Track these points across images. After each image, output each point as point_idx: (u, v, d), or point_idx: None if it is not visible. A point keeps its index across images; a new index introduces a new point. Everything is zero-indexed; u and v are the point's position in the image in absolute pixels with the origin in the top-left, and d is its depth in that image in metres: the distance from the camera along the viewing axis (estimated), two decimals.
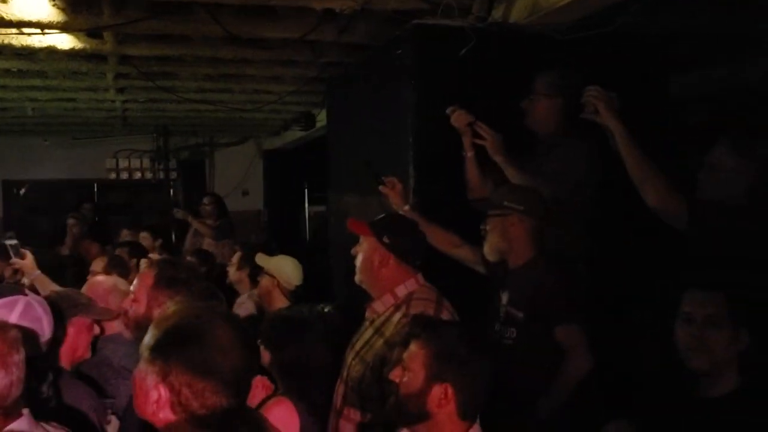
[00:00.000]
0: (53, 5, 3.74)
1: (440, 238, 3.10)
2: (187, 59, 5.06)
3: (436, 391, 1.77)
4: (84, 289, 2.93)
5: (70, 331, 2.36)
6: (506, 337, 2.76)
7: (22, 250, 3.90)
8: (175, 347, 1.45)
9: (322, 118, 6.64)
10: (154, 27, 4.02)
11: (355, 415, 2.41)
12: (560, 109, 3.27)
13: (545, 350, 2.68)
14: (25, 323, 1.93)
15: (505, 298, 2.84)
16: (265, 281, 3.68)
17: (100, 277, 3.41)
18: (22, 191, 9.67)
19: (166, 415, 1.45)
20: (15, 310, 1.94)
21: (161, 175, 8.95)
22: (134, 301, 2.57)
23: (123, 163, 9.01)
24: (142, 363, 1.48)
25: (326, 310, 3.23)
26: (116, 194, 9.82)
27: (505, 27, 3.68)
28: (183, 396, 1.43)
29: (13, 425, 1.61)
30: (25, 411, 1.65)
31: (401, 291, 2.51)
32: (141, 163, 9.03)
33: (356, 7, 3.65)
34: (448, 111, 3.31)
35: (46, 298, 2.33)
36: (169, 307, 1.63)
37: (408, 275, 2.54)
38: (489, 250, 2.87)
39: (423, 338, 1.87)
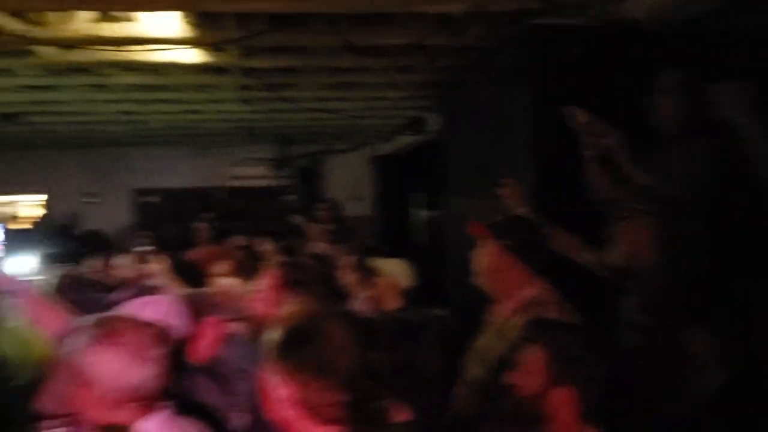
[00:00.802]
0: (183, 22, 3.96)
1: (561, 241, 3.02)
2: (306, 69, 5.22)
3: (557, 394, 1.74)
4: (209, 291, 3.07)
5: (201, 330, 2.47)
6: (630, 342, 2.65)
7: (154, 254, 4.16)
8: (297, 347, 1.49)
9: (432, 122, 6.66)
10: (276, 39, 4.17)
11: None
12: (684, 107, 3.12)
13: (671, 356, 2.55)
14: (160, 320, 2.04)
15: (629, 302, 2.73)
16: (379, 283, 3.73)
17: (224, 279, 3.57)
18: (151, 199, 10.31)
19: (288, 413, 1.49)
20: (151, 308, 2.06)
21: (280, 182, 9.28)
22: (257, 301, 2.66)
23: (245, 171, 9.43)
24: (267, 362, 1.53)
25: (440, 313, 3.22)
26: (238, 201, 10.28)
27: (622, 24, 3.55)
28: (304, 394, 1.46)
29: (153, 418, 1.70)
30: (165, 405, 1.75)
31: (522, 294, 2.46)
32: (262, 171, 9.42)
33: (470, 9, 3.63)
34: (566, 111, 3.23)
35: (180, 297, 2.45)
36: (292, 307, 1.67)
37: (529, 278, 2.49)
38: (615, 253, 2.77)
39: (543, 341, 1.83)
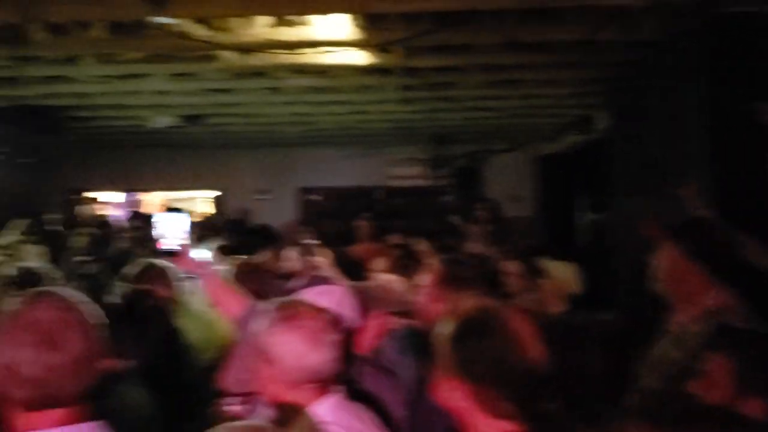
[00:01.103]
0: (353, 24, 4.10)
1: (745, 244, 2.78)
2: (467, 68, 5.21)
3: (751, 404, 1.60)
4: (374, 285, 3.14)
5: (370, 322, 2.53)
6: None
7: (320, 249, 4.33)
8: (472, 340, 1.49)
9: (599, 120, 6.40)
10: (439, 38, 4.21)
11: (646, 428, 2.25)
12: None
13: None
14: (334, 309, 2.12)
15: None
16: (545, 286, 3.64)
17: (385, 275, 3.63)
18: (315, 197, 10.77)
19: (460, 403, 1.49)
20: (327, 297, 2.15)
21: (437, 182, 9.34)
22: (419, 296, 2.68)
23: (403, 171, 9.59)
24: (439, 354, 1.54)
25: (606, 317, 3.09)
26: (395, 200, 10.47)
27: None
28: (477, 385, 1.46)
29: (327, 400, 1.78)
30: (338, 389, 1.82)
31: (704, 301, 2.29)
32: (419, 170, 9.53)
33: (649, 3, 3.45)
34: (759, 107, 2.97)
35: (350, 289, 2.53)
36: (465, 302, 1.67)
37: (711, 284, 2.31)
38: None
39: (729, 350, 1.70)
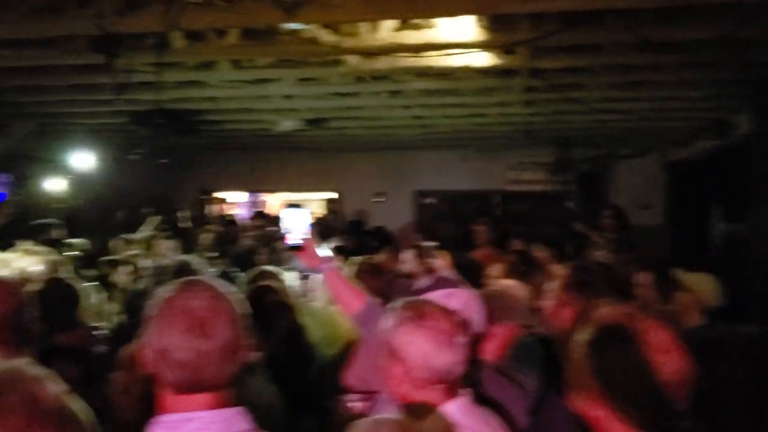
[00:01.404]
0: (478, 25, 4.06)
1: None
2: (594, 69, 5.04)
3: None
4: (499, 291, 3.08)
5: (496, 329, 2.47)
6: None
7: (438, 251, 4.30)
8: (612, 347, 1.42)
9: (738, 124, 5.98)
10: (566, 38, 4.08)
11: None
12: None
13: None
14: (462, 312, 2.09)
15: None
16: (683, 298, 3.44)
17: (504, 281, 3.55)
18: (431, 200, 10.77)
19: (595, 412, 1.43)
20: (453, 300, 2.12)
21: (559, 187, 9.08)
22: (546, 303, 2.61)
23: (522, 175, 9.41)
24: (576, 360, 1.48)
25: (748, 331, 2.86)
26: (515, 205, 10.28)
27: None
28: (614, 394, 1.39)
29: (456, 402, 1.76)
30: (465, 392, 1.79)
31: None
32: (540, 175, 9.31)
33: None
34: None
35: (477, 294, 2.49)
36: (601, 309, 1.60)
37: None
38: None
39: None
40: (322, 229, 7.82)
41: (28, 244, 4.60)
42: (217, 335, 1.39)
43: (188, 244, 6.82)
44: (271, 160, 10.82)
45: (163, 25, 3.70)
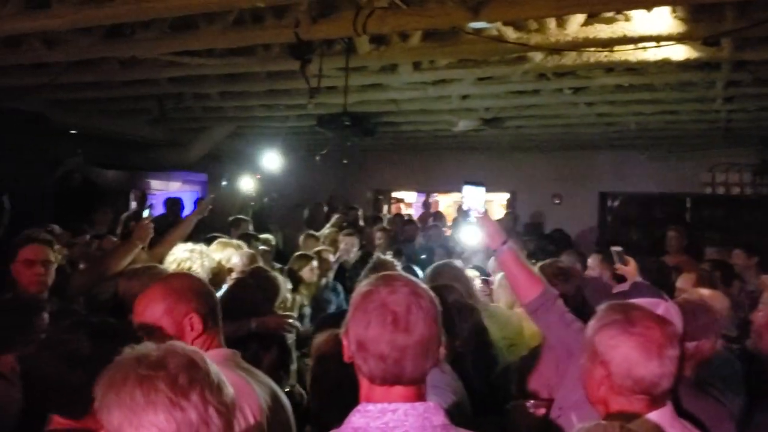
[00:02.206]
0: (674, 17, 3.79)
1: None
2: None
3: None
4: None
5: (697, 342, 2.30)
6: None
7: (626, 257, 4.07)
8: None
9: None
10: None
11: None
12: None
13: None
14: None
15: None
16: None
17: (703, 291, 3.27)
18: (616, 203, 10.22)
19: None
20: (663, 308, 1.98)
21: (764, 190, 8.24)
22: (757, 317, 2.38)
23: (719, 177, 8.65)
24: None
25: None
26: (710, 210, 9.45)
27: None
28: None
29: (656, 414, 1.64)
30: (669, 404, 1.67)
31: None
32: (740, 177, 8.50)
33: None
34: None
35: (678, 303, 2.32)
36: None
37: None
38: None
39: None
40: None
41: (225, 238, 5.00)
42: (416, 330, 1.40)
43: (364, 243, 7.02)
44: (445, 159, 10.86)
45: (352, 30, 3.83)
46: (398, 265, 4.10)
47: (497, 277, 4.00)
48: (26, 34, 4.32)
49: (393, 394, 1.42)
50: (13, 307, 2.66)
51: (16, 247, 3.27)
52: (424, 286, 1.50)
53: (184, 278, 2.20)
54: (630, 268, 4.05)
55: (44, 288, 3.28)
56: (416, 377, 1.42)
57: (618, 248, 4.17)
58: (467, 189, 2.53)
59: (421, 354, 1.41)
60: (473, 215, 2.49)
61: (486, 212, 2.49)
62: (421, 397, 1.44)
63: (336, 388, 2.06)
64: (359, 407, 1.43)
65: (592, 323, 1.76)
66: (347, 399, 1.51)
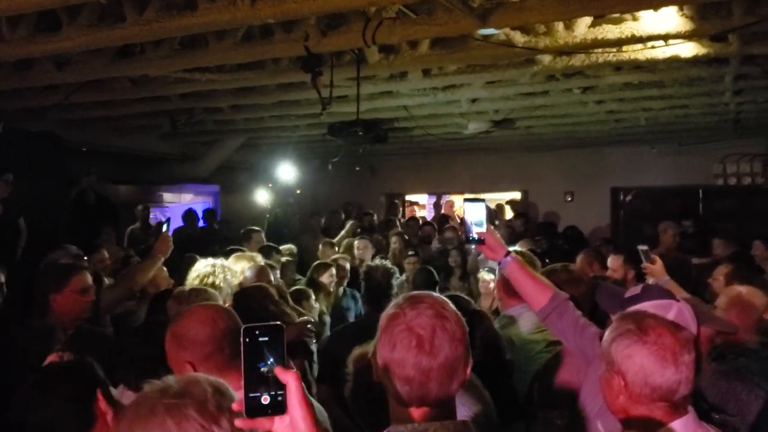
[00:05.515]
0: (681, 15, 3.80)
1: None
2: None
3: None
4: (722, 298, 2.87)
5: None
6: None
7: (653, 255, 4.01)
8: None
9: None
10: None
11: None
12: None
13: None
14: (685, 325, 1.96)
15: None
16: None
17: (740, 288, 3.23)
18: (628, 198, 10.18)
19: None
20: (674, 312, 2.00)
21: None
22: None
23: (731, 168, 8.62)
24: None
25: None
26: (722, 201, 9.40)
27: None
28: None
29: (679, 421, 1.65)
30: (691, 410, 1.68)
31: None
32: (751, 167, 8.47)
33: None
34: None
35: (689, 303, 2.32)
36: None
37: None
38: None
39: None
40: (509, 232, 7.70)
41: (245, 251, 5.01)
42: (440, 353, 1.42)
43: (378, 248, 7.04)
44: (456, 161, 10.89)
45: (361, 41, 3.86)
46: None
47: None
48: (37, 57, 4.37)
49: (421, 414, 1.44)
50: None
51: (67, 275, 3.18)
52: (452, 307, 1.51)
53: (189, 322, 2.05)
54: (657, 267, 3.95)
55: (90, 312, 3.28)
56: (442, 398, 1.44)
57: (644, 247, 4.06)
58: (468, 206, 2.51)
59: (446, 376, 1.43)
60: (475, 232, 2.48)
61: (487, 228, 2.48)
62: (450, 414, 1.46)
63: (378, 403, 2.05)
64: (390, 428, 1.45)
65: (607, 334, 1.77)
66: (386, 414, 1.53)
